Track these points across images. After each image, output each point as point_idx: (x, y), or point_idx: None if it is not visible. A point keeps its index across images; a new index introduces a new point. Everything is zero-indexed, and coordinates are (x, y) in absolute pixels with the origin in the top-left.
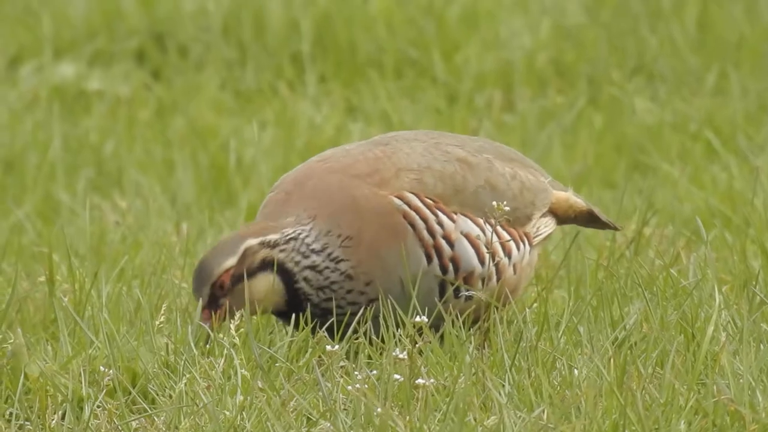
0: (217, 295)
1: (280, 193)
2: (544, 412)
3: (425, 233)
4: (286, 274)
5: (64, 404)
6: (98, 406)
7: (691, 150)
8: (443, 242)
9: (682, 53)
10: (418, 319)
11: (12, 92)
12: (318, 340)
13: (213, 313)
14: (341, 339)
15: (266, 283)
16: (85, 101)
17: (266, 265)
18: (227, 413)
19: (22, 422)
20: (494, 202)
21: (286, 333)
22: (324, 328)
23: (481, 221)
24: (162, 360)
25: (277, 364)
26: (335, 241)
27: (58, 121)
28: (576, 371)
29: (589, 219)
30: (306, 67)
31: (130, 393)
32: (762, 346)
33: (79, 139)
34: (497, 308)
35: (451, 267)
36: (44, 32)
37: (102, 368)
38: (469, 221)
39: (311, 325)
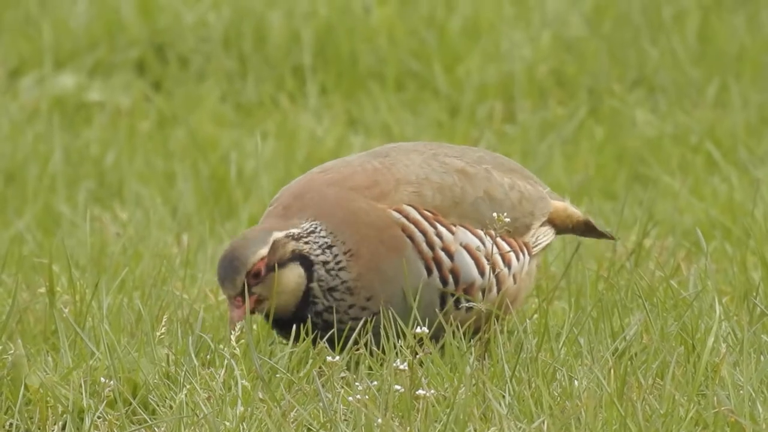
0: (251, 283)
1: (278, 207)
2: (544, 423)
3: (424, 246)
4: (309, 268)
5: (65, 415)
6: (99, 417)
7: (691, 162)
8: (443, 254)
9: (683, 65)
10: (418, 330)
11: (13, 104)
12: (318, 350)
13: (244, 303)
14: (342, 350)
15: (295, 275)
16: (85, 112)
17: (295, 257)
18: (228, 424)
19: None
20: (495, 214)
21: (287, 344)
22: (325, 339)
23: (481, 233)
24: (163, 371)
25: (277, 375)
26: (340, 246)
27: (59, 132)
28: (576, 382)
29: (586, 229)
30: (307, 79)
31: (130, 404)
32: (762, 358)
33: (80, 150)
34: (498, 318)
35: (451, 279)
36: (45, 43)
37: (103, 379)
38: (468, 233)
39: (312, 336)
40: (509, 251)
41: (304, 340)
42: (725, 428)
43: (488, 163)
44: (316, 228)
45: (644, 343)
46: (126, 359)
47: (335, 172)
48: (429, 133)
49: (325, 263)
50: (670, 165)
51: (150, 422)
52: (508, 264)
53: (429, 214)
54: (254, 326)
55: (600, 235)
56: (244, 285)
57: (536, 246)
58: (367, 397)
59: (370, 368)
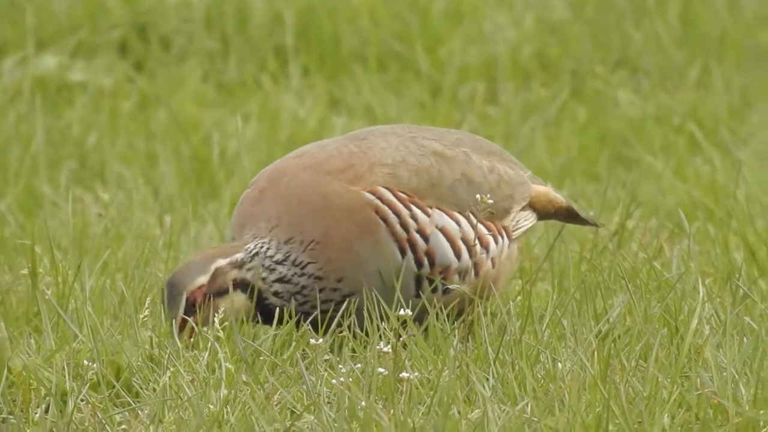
0: (188, 311)
1: (255, 190)
2: (527, 405)
3: (398, 227)
4: (252, 293)
5: (48, 398)
6: (82, 400)
7: (674, 143)
8: (417, 237)
9: (666, 48)
10: (402, 312)
11: None
12: (302, 333)
13: (185, 323)
14: (325, 332)
15: (237, 302)
16: (67, 93)
17: (237, 285)
18: (211, 407)
19: (5, 416)
20: (477, 196)
21: (270, 327)
22: (308, 322)
23: (458, 215)
24: (146, 353)
25: (261, 358)
26: (298, 247)
27: (41, 113)
28: (560, 364)
29: (569, 215)
30: (289, 60)
31: (113, 387)
32: (745, 339)
33: (62, 131)
34: (478, 302)
35: (426, 261)
36: (27, 24)
37: (86, 362)
38: (444, 215)
39: (295, 319)
40: (488, 234)
41: (288, 323)
42: (708, 410)
43: (467, 145)
44: (261, 248)
45: (627, 325)
46: (109, 342)
47: (310, 157)
48: (411, 115)
49: (280, 279)
50: (653, 146)
51: (133, 405)
52: (486, 247)
53: (404, 195)
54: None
55: (583, 221)
56: (186, 305)
57: (516, 230)
58: (350, 379)
59: (353, 351)
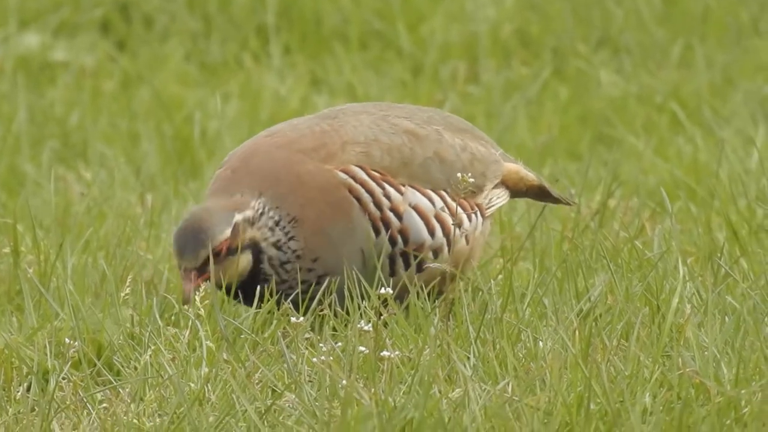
0: (207, 262)
1: (228, 170)
2: (509, 384)
3: (372, 206)
4: (257, 254)
5: (29, 376)
6: (63, 378)
7: (656, 122)
8: (391, 215)
9: (648, 26)
10: (383, 291)
11: None
12: (283, 312)
13: (198, 278)
14: (306, 311)
15: (245, 261)
16: (49, 72)
17: (250, 244)
18: (192, 385)
19: None
20: (459, 175)
21: (250, 306)
22: (289, 300)
23: (430, 193)
24: (127, 332)
25: (242, 336)
26: (285, 218)
27: (23, 92)
28: (541, 343)
29: (541, 193)
30: (271, 39)
31: (95, 365)
32: (727, 319)
33: (44, 110)
34: (458, 276)
35: (400, 240)
36: (9, 2)
37: (67, 340)
38: (417, 193)
39: (276, 297)
40: (462, 212)
41: (268, 301)
42: (690, 389)
43: (439, 123)
44: (264, 207)
45: (609, 304)
46: (90, 320)
47: (282, 136)
48: (393, 93)
49: (276, 243)
50: (635, 125)
51: (114, 383)
52: (459, 225)
53: (377, 174)
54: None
55: (555, 200)
56: (205, 260)
57: (489, 207)
58: (331, 358)
59: (334, 329)
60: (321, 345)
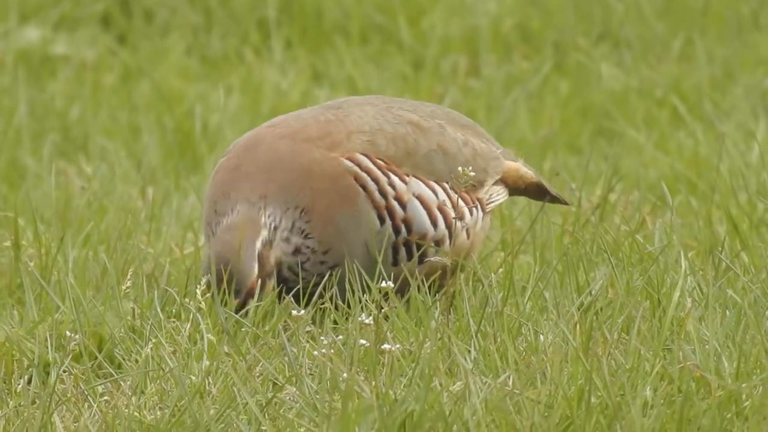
0: (246, 301)
1: (232, 159)
2: (509, 377)
3: (377, 195)
4: (280, 269)
5: (30, 369)
6: (64, 371)
7: (656, 116)
8: (395, 204)
9: (648, 20)
10: (383, 284)
11: None
12: (284, 305)
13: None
14: (307, 304)
15: (274, 282)
16: (50, 66)
17: (276, 265)
18: (193, 378)
19: None
20: (460, 168)
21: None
22: (290, 294)
23: (434, 184)
24: (128, 325)
25: (243, 329)
26: (297, 214)
27: (24, 85)
28: (542, 337)
29: (539, 191)
30: (272, 33)
31: (96, 358)
32: (727, 313)
33: (45, 104)
34: (457, 271)
35: (404, 229)
36: None
37: (68, 333)
38: (421, 184)
39: (277, 290)
40: (463, 206)
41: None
42: (691, 383)
43: (441, 118)
44: (275, 220)
45: (610, 298)
46: (91, 313)
47: (286, 126)
48: (393, 87)
49: (294, 251)
50: (635, 119)
51: (116, 376)
52: (461, 218)
53: (382, 163)
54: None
55: (553, 198)
56: (245, 296)
57: (490, 203)
58: (332, 351)
59: (335, 322)
60: (322, 338)
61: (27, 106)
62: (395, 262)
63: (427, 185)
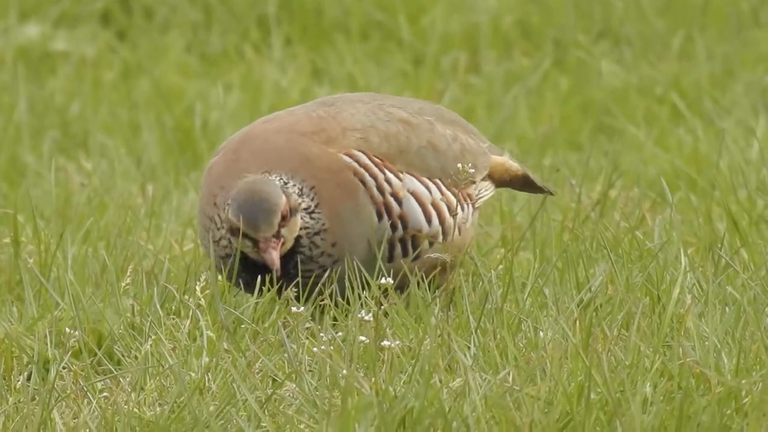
0: (281, 225)
1: (228, 154)
2: (509, 374)
3: (375, 191)
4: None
5: (30, 366)
6: (64, 368)
7: (656, 113)
8: (392, 200)
9: (648, 17)
10: (383, 280)
11: None
12: (283, 301)
13: (277, 243)
14: (306, 300)
15: (299, 222)
16: (50, 63)
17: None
18: (193, 374)
19: None
20: (459, 165)
21: (252, 294)
22: (290, 289)
23: (427, 180)
24: (128, 321)
25: (242, 326)
26: (307, 191)
27: (24, 82)
28: (541, 333)
29: (524, 183)
30: (272, 30)
31: (95, 354)
32: (727, 309)
33: (45, 100)
34: (452, 268)
35: (400, 225)
36: None
37: (68, 330)
38: (415, 180)
39: (277, 287)
40: (456, 202)
41: (269, 290)
42: (690, 379)
43: (430, 114)
44: (281, 176)
45: (609, 294)
46: (91, 310)
47: (280, 121)
48: (393, 84)
49: (307, 209)
50: (635, 116)
51: (115, 373)
52: (454, 214)
53: (377, 160)
54: (219, 277)
55: (538, 189)
56: (278, 226)
57: (479, 198)
58: (332, 348)
59: (334, 319)
60: (321, 335)
61: (27, 102)
62: (391, 258)
63: (421, 182)
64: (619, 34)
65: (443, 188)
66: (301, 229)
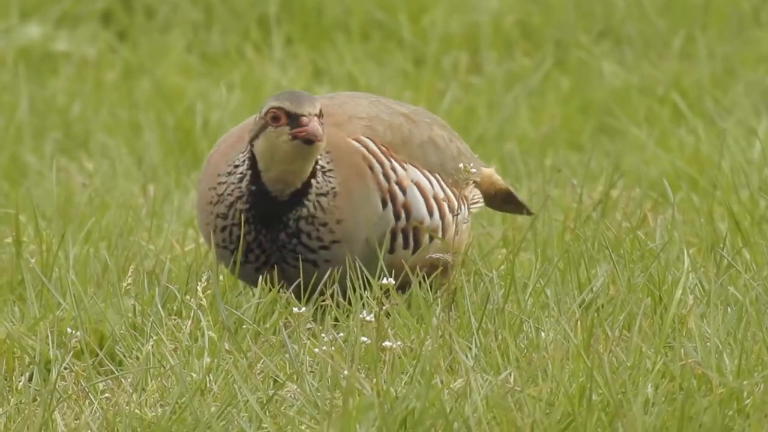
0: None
1: (232, 137)
2: (510, 374)
3: (381, 177)
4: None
5: (31, 366)
6: (65, 368)
7: (658, 113)
8: (396, 188)
9: (649, 17)
10: (385, 281)
11: None
12: (285, 302)
13: (319, 121)
14: (308, 301)
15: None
16: (51, 63)
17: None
18: (194, 375)
19: None
20: (461, 165)
21: (253, 295)
22: (290, 290)
23: (428, 174)
24: (129, 322)
25: (244, 326)
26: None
27: (25, 82)
28: (543, 334)
29: (507, 199)
30: (272, 30)
31: (97, 355)
32: (729, 310)
33: (46, 101)
34: (450, 269)
35: (403, 215)
36: None
37: (69, 330)
38: (417, 171)
39: (278, 287)
40: (455, 200)
41: (270, 291)
42: (692, 380)
43: (426, 117)
44: None
45: (611, 295)
46: (92, 310)
47: None
48: (394, 84)
49: (322, 168)
50: (637, 116)
51: (117, 373)
52: (452, 211)
53: (383, 148)
54: (221, 277)
55: (519, 207)
56: (320, 108)
57: (473, 203)
58: (333, 348)
59: (336, 320)
60: (323, 335)
61: (28, 103)
62: (392, 249)
63: (423, 174)
64: (620, 34)
65: (443, 185)
66: (311, 187)
